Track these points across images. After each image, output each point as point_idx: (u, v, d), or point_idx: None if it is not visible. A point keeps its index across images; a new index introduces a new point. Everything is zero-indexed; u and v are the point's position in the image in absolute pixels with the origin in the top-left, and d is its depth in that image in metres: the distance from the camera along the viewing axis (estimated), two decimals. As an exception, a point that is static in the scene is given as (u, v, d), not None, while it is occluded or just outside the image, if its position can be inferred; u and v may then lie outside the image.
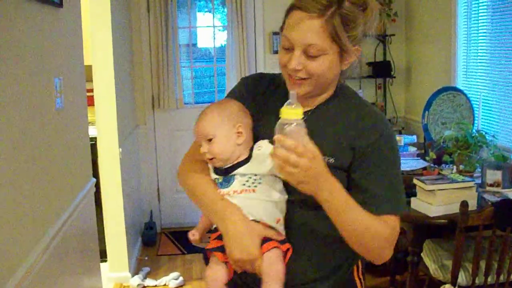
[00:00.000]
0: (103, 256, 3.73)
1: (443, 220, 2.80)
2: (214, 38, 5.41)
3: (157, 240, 5.12)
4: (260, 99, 1.63)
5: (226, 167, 1.50)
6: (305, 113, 1.47)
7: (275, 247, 1.43)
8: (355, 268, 1.64)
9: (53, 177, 2.24)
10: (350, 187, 1.46)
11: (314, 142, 1.32)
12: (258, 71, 5.10)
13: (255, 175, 1.47)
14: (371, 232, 1.42)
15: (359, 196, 1.43)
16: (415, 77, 5.25)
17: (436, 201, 2.79)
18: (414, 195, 2.94)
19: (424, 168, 3.54)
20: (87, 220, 2.81)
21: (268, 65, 5.24)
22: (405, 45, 5.38)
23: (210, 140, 1.49)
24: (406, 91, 5.44)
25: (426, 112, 4.09)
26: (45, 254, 2.02)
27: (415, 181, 2.94)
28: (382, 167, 1.46)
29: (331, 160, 1.45)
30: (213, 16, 5.41)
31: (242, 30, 5.08)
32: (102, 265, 3.46)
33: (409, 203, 2.95)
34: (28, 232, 1.90)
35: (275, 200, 1.46)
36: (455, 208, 2.74)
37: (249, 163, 1.48)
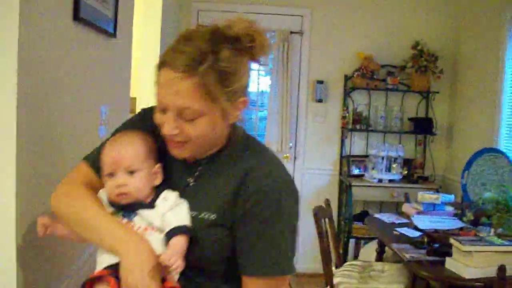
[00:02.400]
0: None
1: (479, 284, 2.71)
2: (258, 83, 5.46)
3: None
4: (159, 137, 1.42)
5: (127, 203, 1.36)
6: (195, 163, 1.40)
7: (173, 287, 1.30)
8: None
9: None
10: (234, 240, 1.34)
11: (198, 199, 1.33)
12: (300, 118, 5.15)
13: (155, 226, 1.34)
14: None
15: (239, 251, 1.33)
16: (456, 136, 5.19)
17: (472, 263, 2.71)
18: (450, 255, 2.87)
19: (461, 229, 3.46)
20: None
21: (311, 112, 5.26)
22: (449, 102, 5.34)
23: (131, 172, 1.35)
24: (447, 149, 5.37)
25: (466, 172, 4.03)
26: (82, 270, 2.02)
27: (451, 240, 2.86)
28: (262, 225, 1.31)
29: (212, 217, 1.33)
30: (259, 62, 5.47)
31: (287, 77, 5.13)
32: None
33: (443, 263, 2.88)
34: (63, 255, 1.91)
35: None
36: (492, 272, 2.65)
37: (153, 210, 1.35)
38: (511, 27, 4.17)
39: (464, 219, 3.59)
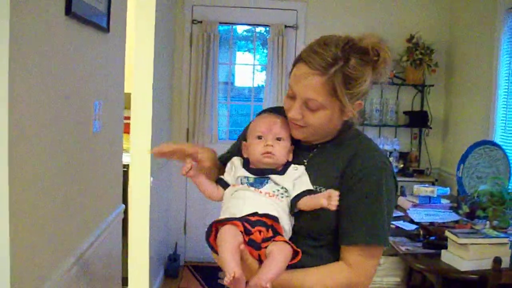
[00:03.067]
0: (124, 283, 3.70)
1: (474, 276, 2.72)
2: (253, 78, 5.46)
3: (179, 273, 5.09)
4: None
5: (262, 168, 1.57)
6: (311, 147, 1.62)
7: (286, 242, 1.44)
8: None
9: (84, 199, 2.26)
10: (337, 213, 1.51)
11: (312, 175, 1.54)
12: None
13: (286, 189, 1.53)
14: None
15: (341, 223, 1.52)
16: (452, 129, 5.19)
17: (468, 255, 2.72)
18: (445, 247, 2.88)
19: (456, 222, 3.47)
20: (113, 245, 2.80)
21: (305, 106, 5.25)
22: (444, 96, 5.34)
23: (278, 139, 1.57)
24: (442, 142, 5.38)
25: (462, 165, 4.03)
26: (69, 273, 2.02)
27: (447, 233, 2.87)
28: (364, 198, 1.51)
29: (323, 190, 1.51)
30: (254, 57, 5.48)
31: (282, 71, 5.12)
32: (123, 293, 3.44)
33: (439, 255, 2.89)
34: (54, 251, 1.90)
35: (289, 217, 1.52)
36: (487, 264, 2.66)
37: (284, 175, 1.55)
38: (505, 20, 4.17)
39: (460, 212, 3.59)
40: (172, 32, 5.00)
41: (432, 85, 5.22)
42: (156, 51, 3.84)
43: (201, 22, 5.13)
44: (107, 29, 2.40)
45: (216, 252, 1.43)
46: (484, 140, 4.10)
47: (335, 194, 1.43)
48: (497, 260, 2.57)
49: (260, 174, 1.55)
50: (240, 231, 1.41)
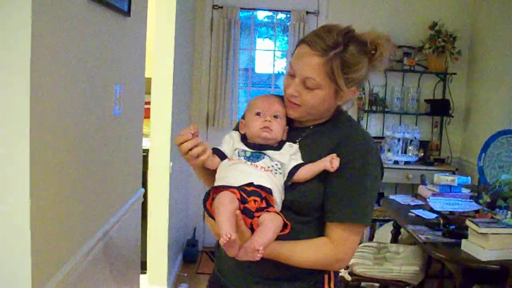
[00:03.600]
0: (143, 267, 3.74)
1: (495, 266, 2.70)
2: (274, 64, 5.43)
3: (198, 258, 5.12)
4: None
5: (259, 143, 1.66)
6: (303, 129, 1.72)
7: (278, 213, 1.54)
8: (326, 276, 1.71)
9: (104, 181, 2.27)
10: (324, 191, 1.63)
11: (303, 153, 1.64)
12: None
13: (281, 164, 1.62)
14: (317, 264, 1.64)
15: (327, 200, 1.62)
16: (473, 118, 5.13)
17: (488, 245, 2.69)
18: (465, 237, 2.85)
19: (477, 211, 3.44)
20: (132, 228, 2.82)
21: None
22: (466, 84, 5.28)
23: (275, 117, 1.67)
24: (463, 131, 5.32)
25: (483, 154, 3.99)
26: (88, 257, 2.03)
27: (467, 222, 2.84)
28: (350, 179, 1.60)
29: None
30: (274, 43, 5.45)
31: (302, 56, 5.07)
32: (142, 277, 3.47)
33: (459, 244, 2.87)
34: (73, 234, 1.92)
35: (281, 192, 1.61)
36: (508, 254, 2.64)
37: (279, 151, 1.65)
38: (531, 7, 4.09)
39: (481, 201, 3.56)
40: (192, 18, 4.99)
41: (455, 73, 5.16)
42: (177, 37, 3.85)
43: (221, 7, 5.11)
44: (128, 13, 2.40)
45: (211, 216, 1.53)
46: (506, 130, 4.04)
47: (336, 158, 1.58)
48: (518, 251, 2.55)
49: (258, 149, 1.64)
50: (237, 199, 1.50)
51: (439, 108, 5.16)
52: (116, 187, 2.48)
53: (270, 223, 1.49)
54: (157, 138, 3.87)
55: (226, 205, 1.48)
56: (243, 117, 1.76)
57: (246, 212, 1.51)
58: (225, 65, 5.08)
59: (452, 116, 5.19)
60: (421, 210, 3.55)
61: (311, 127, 1.72)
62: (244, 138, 1.69)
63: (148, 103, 3.76)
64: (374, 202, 1.67)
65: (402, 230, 3.99)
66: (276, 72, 5.47)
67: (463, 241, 2.85)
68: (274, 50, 5.44)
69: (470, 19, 5.19)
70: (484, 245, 2.71)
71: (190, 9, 4.74)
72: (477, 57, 5.08)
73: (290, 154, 1.64)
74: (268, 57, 5.50)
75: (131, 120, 2.69)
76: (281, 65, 5.46)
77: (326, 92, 1.61)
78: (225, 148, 1.68)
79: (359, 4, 5.20)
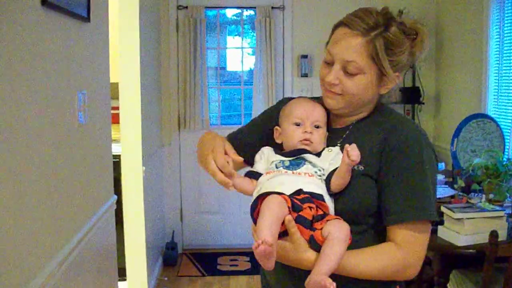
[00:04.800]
0: (123, 274, 3.69)
1: (471, 250, 2.71)
2: (242, 62, 5.41)
3: (178, 261, 5.08)
4: None
5: (295, 149, 1.53)
6: (343, 129, 1.58)
7: (340, 220, 1.40)
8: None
9: (73, 191, 2.22)
10: (379, 192, 1.47)
11: None
12: (286, 95, 5.09)
13: (323, 169, 1.49)
14: (386, 272, 1.44)
15: (385, 201, 1.45)
16: (444, 104, 5.16)
17: (464, 230, 2.71)
18: (442, 223, 2.86)
19: (452, 196, 3.46)
20: (106, 236, 2.78)
21: (296, 88, 5.20)
22: (435, 71, 5.31)
23: (317, 127, 1.54)
24: (435, 117, 5.35)
25: (455, 139, 4.01)
26: (61, 268, 1.99)
27: (442, 208, 2.85)
28: (407, 171, 1.45)
29: (361, 168, 1.46)
30: (242, 40, 5.42)
31: (271, 53, 5.07)
32: (122, 284, 3.42)
33: (436, 231, 2.87)
34: (45, 244, 1.87)
35: (331, 199, 1.46)
36: (484, 238, 2.65)
37: (320, 157, 1.52)
38: (493, -9, 4.12)
39: (455, 186, 3.58)
40: (157, 19, 4.93)
41: (423, 61, 5.18)
42: (142, 39, 3.80)
43: (186, 7, 5.07)
44: (87, 18, 2.35)
45: None
46: (477, 114, 4.07)
47: (351, 146, 1.40)
48: (494, 234, 2.56)
49: (295, 154, 1.51)
50: (288, 207, 1.35)
51: (410, 96, 5.19)
52: (86, 196, 2.44)
53: (339, 233, 1.33)
54: (128, 143, 3.81)
55: (273, 209, 1.33)
56: (277, 124, 1.62)
57: (302, 221, 1.35)
58: (193, 65, 5.04)
59: (423, 103, 5.22)
60: (396, 199, 3.55)
61: (351, 126, 1.58)
62: (278, 149, 1.57)
63: (117, 108, 3.70)
64: (436, 194, 1.49)
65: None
66: (246, 69, 5.43)
67: (440, 227, 2.85)
68: (242, 47, 5.41)
69: (435, 5, 5.23)
70: (460, 231, 2.72)
71: (153, 11, 4.68)
72: (443, 43, 5.11)
73: (331, 159, 1.50)
74: (238, 55, 5.47)
75: (98, 127, 2.64)
76: (251, 62, 5.43)
77: (369, 78, 1.48)
78: (258, 168, 1.55)
79: (324, -3, 5.19)
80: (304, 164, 1.48)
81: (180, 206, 5.36)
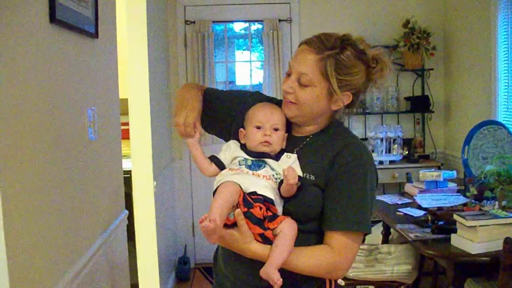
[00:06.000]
0: (135, 290, 3.68)
1: (485, 258, 2.68)
2: (251, 75, 5.41)
3: (190, 276, 5.06)
4: None
5: (258, 151, 1.68)
6: (302, 138, 1.74)
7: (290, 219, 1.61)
8: (327, 282, 1.73)
9: (84, 207, 2.23)
10: (324, 202, 1.65)
11: (302, 163, 1.65)
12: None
13: (280, 174, 1.63)
14: (319, 270, 1.64)
15: (327, 210, 1.64)
16: (454, 112, 5.14)
17: (477, 237, 2.68)
18: (454, 231, 2.83)
19: (465, 204, 3.43)
20: (118, 252, 2.78)
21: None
22: (444, 79, 5.29)
23: (275, 130, 1.69)
24: (445, 126, 5.33)
25: (466, 147, 3.99)
26: (73, 284, 1.99)
27: (455, 216, 2.83)
28: (350, 188, 1.63)
29: (313, 178, 1.65)
30: (250, 53, 5.43)
31: (279, 65, 5.08)
32: (134, 299, 3.41)
33: (449, 239, 2.85)
34: (57, 261, 1.88)
35: (281, 203, 1.64)
36: (498, 245, 2.62)
37: (279, 161, 1.67)
38: (500, -3, 4.11)
39: (468, 194, 3.55)
40: (165, 34, 4.97)
41: (432, 69, 5.18)
42: (151, 55, 3.82)
43: (194, 22, 5.10)
44: (95, 35, 2.37)
45: None
46: (487, 120, 4.05)
47: (287, 170, 1.56)
48: (508, 241, 2.53)
49: (258, 156, 1.67)
50: (241, 198, 1.54)
51: (420, 105, 5.17)
52: (98, 211, 2.44)
53: (291, 231, 1.56)
54: (138, 158, 3.81)
55: (226, 193, 1.54)
56: (243, 127, 1.77)
57: (250, 217, 1.54)
58: (202, 79, 5.06)
59: (433, 112, 5.20)
60: (408, 208, 3.53)
61: (310, 136, 1.74)
62: (243, 146, 1.72)
63: (127, 123, 3.71)
64: (372, 210, 1.68)
65: (392, 230, 3.98)
66: (255, 83, 5.44)
67: (453, 236, 2.83)
68: (251, 61, 5.42)
69: (443, 14, 5.22)
70: (473, 238, 2.69)
71: (161, 26, 4.72)
72: (452, 51, 5.10)
73: (289, 165, 1.64)
74: (245, 68, 5.48)
75: (108, 143, 2.66)
76: (260, 76, 5.44)
77: (319, 91, 1.63)
78: (222, 156, 1.71)
79: (331, 8, 5.21)
80: (264, 167, 1.65)
81: (192, 220, 5.36)
